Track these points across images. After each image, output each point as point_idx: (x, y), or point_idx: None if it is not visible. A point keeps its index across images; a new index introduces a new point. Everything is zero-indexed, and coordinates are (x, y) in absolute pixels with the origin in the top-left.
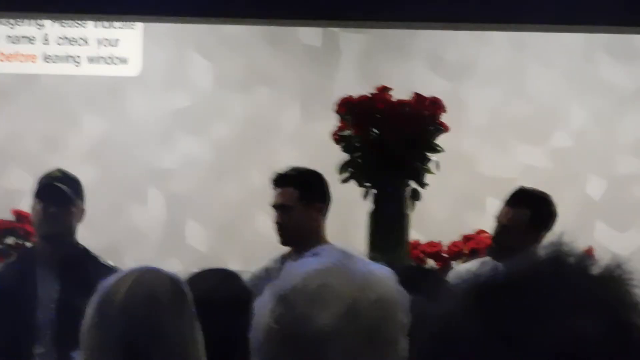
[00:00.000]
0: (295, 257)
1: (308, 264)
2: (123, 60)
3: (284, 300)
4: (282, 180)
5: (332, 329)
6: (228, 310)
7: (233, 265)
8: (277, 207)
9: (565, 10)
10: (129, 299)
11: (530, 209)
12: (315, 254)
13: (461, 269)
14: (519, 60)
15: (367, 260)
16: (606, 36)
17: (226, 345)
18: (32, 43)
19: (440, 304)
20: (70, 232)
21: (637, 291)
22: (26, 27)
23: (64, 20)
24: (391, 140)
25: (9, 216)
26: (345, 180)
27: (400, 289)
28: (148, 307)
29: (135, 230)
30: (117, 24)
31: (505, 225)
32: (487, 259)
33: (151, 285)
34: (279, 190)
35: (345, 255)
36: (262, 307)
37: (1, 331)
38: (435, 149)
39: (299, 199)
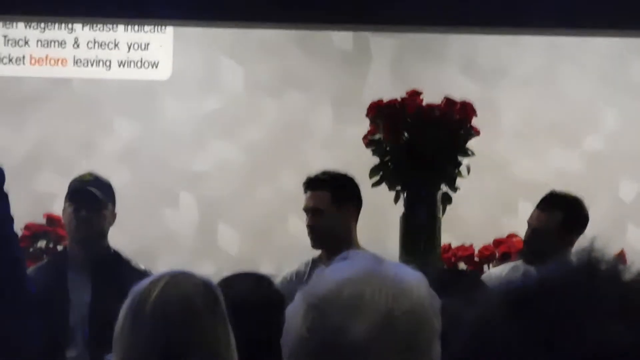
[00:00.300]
0: (325, 261)
1: (339, 271)
2: (154, 64)
3: (316, 309)
4: (315, 184)
5: (366, 340)
6: (260, 313)
7: (265, 269)
8: (309, 210)
9: (598, 15)
10: (161, 303)
11: (562, 212)
12: (344, 258)
13: (492, 272)
14: (552, 64)
15: (399, 265)
16: (638, 40)
17: (258, 348)
18: (62, 47)
19: (475, 308)
20: (101, 235)
21: None
22: (57, 31)
23: (94, 24)
24: (421, 143)
25: (40, 220)
26: (376, 184)
27: (433, 293)
28: (180, 310)
29: (167, 234)
30: (147, 27)
31: (536, 229)
32: (519, 262)
33: (183, 288)
34: (311, 193)
35: (376, 260)
36: (294, 315)
37: (33, 334)
38: (466, 153)
39: (331, 202)
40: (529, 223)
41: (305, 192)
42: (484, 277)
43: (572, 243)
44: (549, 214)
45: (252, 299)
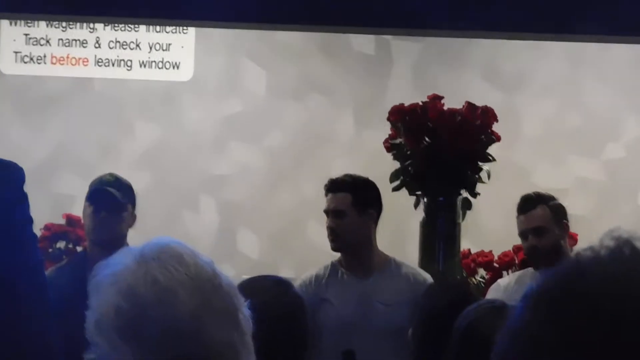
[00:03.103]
0: (345, 265)
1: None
2: (175, 65)
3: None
4: (336, 186)
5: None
6: (279, 317)
7: (284, 273)
8: (330, 212)
9: (621, 22)
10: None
11: (546, 207)
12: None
13: (500, 283)
14: (574, 72)
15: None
16: None
17: (277, 352)
18: (84, 47)
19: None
20: (121, 237)
21: None
22: (78, 31)
23: (116, 25)
24: (442, 149)
25: (60, 220)
26: (396, 189)
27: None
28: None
29: (187, 237)
30: (169, 28)
31: (529, 229)
32: (524, 272)
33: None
34: (333, 195)
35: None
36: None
37: (51, 337)
38: (487, 159)
39: (352, 204)
40: (522, 231)
41: (327, 194)
42: (492, 288)
43: (566, 228)
44: (534, 212)
45: (271, 302)
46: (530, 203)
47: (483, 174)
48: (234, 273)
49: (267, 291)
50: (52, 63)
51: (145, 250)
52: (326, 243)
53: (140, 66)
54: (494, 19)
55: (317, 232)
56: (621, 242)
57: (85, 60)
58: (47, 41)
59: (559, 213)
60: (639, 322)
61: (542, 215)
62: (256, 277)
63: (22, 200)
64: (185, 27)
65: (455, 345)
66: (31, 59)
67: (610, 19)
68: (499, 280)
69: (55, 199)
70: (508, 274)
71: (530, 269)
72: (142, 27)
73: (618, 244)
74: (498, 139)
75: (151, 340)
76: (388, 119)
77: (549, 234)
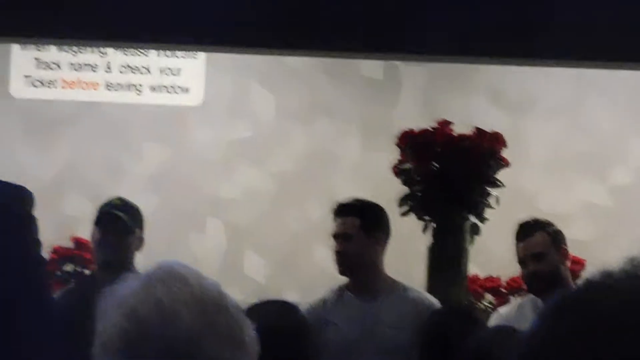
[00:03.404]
0: (352, 289)
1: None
2: (185, 90)
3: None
4: (344, 210)
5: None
6: (286, 341)
7: (291, 297)
8: (337, 235)
9: (626, 47)
10: None
11: (544, 233)
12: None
13: (501, 312)
14: (580, 95)
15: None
16: None
17: None
18: (94, 71)
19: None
20: (128, 260)
21: None
22: (89, 55)
23: (126, 49)
24: (451, 174)
25: (68, 243)
26: (404, 214)
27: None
28: None
29: (193, 260)
30: (179, 53)
31: (528, 256)
32: (525, 299)
33: None
34: (341, 219)
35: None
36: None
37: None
38: (495, 184)
39: (361, 228)
40: (521, 258)
41: (335, 218)
42: (493, 317)
43: (566, 255)
44: (533, 238)
45: (279, 326)
46: (529, 229)
47: (491, 199)
48: (240, 297)
49: (273, 314)
50: (62, 87)
51: (150, 273)
52: (333, 267)
53: (151, 90)
54: (500, 44)
55: (324, 255)
56: (637, 264)
57: (96, 84)
58: (58, 65)
59: (557, 239)
60: None
61: (541, 241)
62: (263, 301)
63: (31, 223)
64: (195, 52)
65: None
66: (42, 82)
67: (616, 44)
68: (500, 309)
69: (63, 220)
70: (516, 299)
71: (530, 296)
72: (153, 52)
73: (634, 266)
74: (507, 164)
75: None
76: (397, 144)
77: (549, 259)
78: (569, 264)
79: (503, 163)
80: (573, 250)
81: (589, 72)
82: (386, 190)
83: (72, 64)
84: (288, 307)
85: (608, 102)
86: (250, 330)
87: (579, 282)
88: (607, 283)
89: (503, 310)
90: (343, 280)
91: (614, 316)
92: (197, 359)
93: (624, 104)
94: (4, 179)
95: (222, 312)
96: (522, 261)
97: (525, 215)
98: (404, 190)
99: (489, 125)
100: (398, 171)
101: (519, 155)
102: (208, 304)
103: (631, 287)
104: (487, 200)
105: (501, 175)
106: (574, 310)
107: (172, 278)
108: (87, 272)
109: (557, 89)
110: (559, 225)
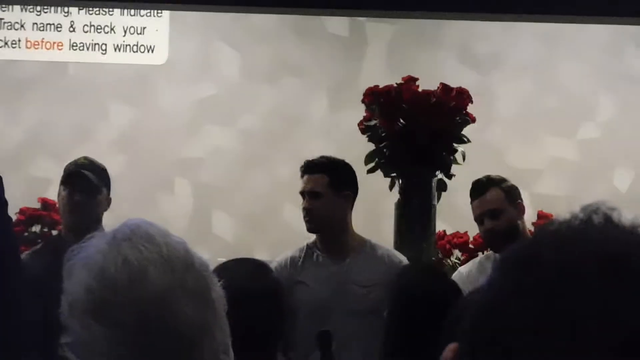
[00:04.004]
0: (320, 247)
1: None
2: (150, 49)
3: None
4: (312, 167)
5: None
6: (256, 299)
7: (259, 255)
8: (306, 193)
9: (594, 2)
10: None
11: (498, 188)
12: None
13: (462, 271)
14: (548, 53)
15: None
16: (634, 28)
17: (254, 333)
18: (58, 30)
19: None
20: (95, 220)
21: None
22: (52, 15)
23: (90, 8)
24: (417, 130)
25: (35, 204)
26: (371, 171)
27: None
28: None
29: (161, 220)
30: (143, 11)
31: (486, 212)
32: (483, 257)
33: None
34: (309, 176)
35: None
36: None
37: (27, 320)
38: (461, 140)
39: (329, 185)
40: (477, 216)
41: (303, 175)
42: (454, 276)
43: (521, 208)
44: (487, 196)
45: (248, 284)
46: (482, 187)
47: (458, 156)
48: (209, 255)
49: (244, 274)
50: (27, 47)
51: (117, 232)
52: (301, 225)
53: (115, 50)
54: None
55: (293, 214)
56: (591, 211)
57: (60, 44)
58: (22, 25)
59: (512, 194)
60: (607, 283)
61: (495, 197)
62: (233, 260)
63: None
64: (159, 11)
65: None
66: (6, 43)
67: None
68: (460, 268)
69: (30, 182)
70: (483, 254)
71: (490, 253)
72: (117, 11)
73: (588, 213)
74: (473, 120)
75: (122, 318)
76: (362, 101)
77: (505, 215)
78: (525, 218)
79: (469, 119)
80: (542, 205)
81: (557, 28)
82: (353, 147)
83: (35, 24)
84: (258, 266)
85: (576, 59)
86: (218, 289)
87: (534, 233)
88: (560, 232)
89: (463, 268)
90: (311, 238)
91: (566, 266)
92: (164, 317)
93: (591, 60)
94: None
95: (190, 270)
96: (478, 219)
97: (492, 171)
98: (371, 147)
99: (456, 82)
100: (364, 128)
101: (487, 111)
102: (175, 262)
103: (584, 236)
104: (454, 157)
105: (468, 131)
106: (527, 261)
107: (138, 236)
108: (54, 232)
109: (525, 45)
110: (528, 180)
